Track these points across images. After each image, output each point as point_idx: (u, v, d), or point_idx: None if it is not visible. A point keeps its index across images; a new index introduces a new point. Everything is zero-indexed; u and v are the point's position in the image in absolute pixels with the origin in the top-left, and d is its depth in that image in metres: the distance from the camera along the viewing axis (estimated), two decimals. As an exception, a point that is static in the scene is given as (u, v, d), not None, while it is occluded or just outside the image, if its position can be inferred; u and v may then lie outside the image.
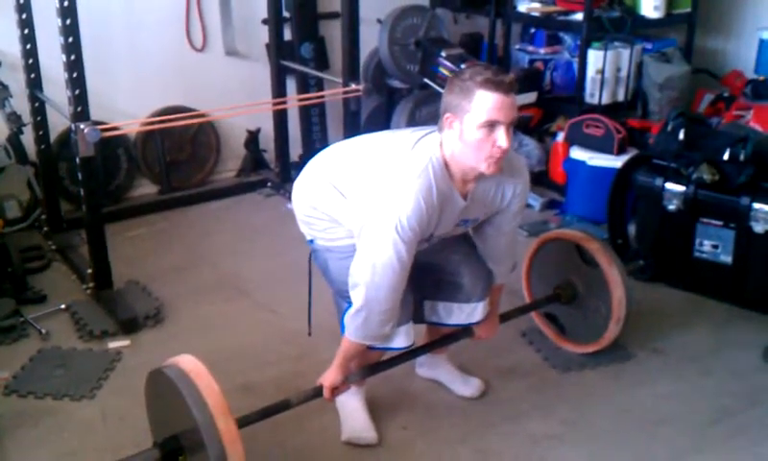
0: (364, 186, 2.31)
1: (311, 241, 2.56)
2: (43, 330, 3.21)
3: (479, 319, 2.65)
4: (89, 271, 3.43)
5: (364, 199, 2.29)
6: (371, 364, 2.61)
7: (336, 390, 2.50)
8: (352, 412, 2.70)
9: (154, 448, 2.23)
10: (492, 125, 2.16)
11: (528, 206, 4.49)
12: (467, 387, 2.87)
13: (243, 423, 2.27)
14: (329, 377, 2.47)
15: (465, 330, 2.77)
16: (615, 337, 3.01)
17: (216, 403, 2.09)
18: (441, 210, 2.27)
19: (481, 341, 2.82)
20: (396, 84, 4.77)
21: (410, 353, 2.69)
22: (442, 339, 2.79)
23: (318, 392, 2.50)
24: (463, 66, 2.57)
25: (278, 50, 4.59)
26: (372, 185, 2.28)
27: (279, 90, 4.65)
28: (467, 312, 2.64)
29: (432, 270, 2.58)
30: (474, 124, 2.16)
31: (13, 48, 3.86)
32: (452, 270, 2.59)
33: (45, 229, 4.05)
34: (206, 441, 2.03)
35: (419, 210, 2.19)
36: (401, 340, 2.50)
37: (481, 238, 2.58)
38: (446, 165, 2.26)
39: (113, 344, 3.16)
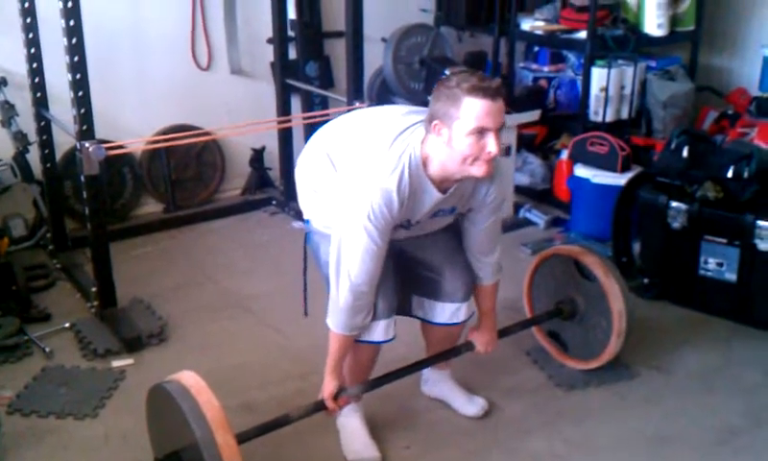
0: (349, 166, 2.35)
1: (307, 221, 2.57)
2: (47, 349, 3.21)
3: (463, 319, 2.69)
4: (94, 289, 3.44)
5: (345, 181, 2.33)
6: (372, 379, 2.62)
7: (337, 401, 2.49)
8: (353, 432, 2.69)
9: None
10: (481, 131, 2.17)
11: (532, 223, 4.50)
12: (470, 406, 2.86)
13: (242, 438, 2.26)
14: (325, 387, 2.48)
15: (465, 345, 2.79)
16: (617, 352, 3.00)
17: (216, 418, 2.09)
18: (414, 201, 2.30)
19: (482, 355, 2.81)
20: (401, 102, 4.79)
21: (411, 368, 2.71)
22: (442, 354, 2.79)
23: (319, 406, 2.50)
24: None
25: (283, 69, 4.61)
26: (352, 170, 2.32)
27: (284, 109, 4.66)
28: (450, 311, 2.67)
29: (419, 267, 2.62)
30: (463, 132, 2.17)
31: (20, 67, 3.89)
32: (436, 268, 2.62)
33: (50, 247, 4.05)
34: (206, 456, 2.03)
35: (390, 201, 2.23)
36: (381, 333, 2.52)
37: (462, 232, 2.59)
38: (425, 163, 2.27)
39: (117, 363, 3.16)
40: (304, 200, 2.58)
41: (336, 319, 2.38)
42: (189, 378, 2.20)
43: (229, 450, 2.07)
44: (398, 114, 2.43)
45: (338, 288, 2.34)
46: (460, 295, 2.64)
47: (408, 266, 2.60)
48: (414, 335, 2.87)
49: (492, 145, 2.18)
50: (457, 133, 2.18)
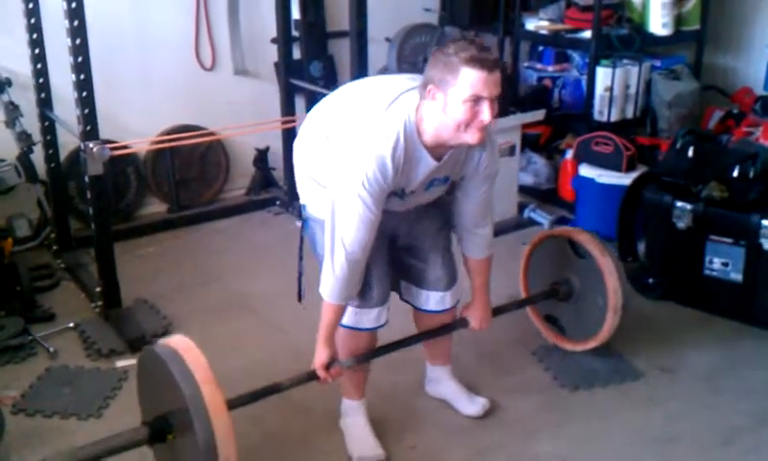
0: (342, 135, 2.34)
1: (303, 207, 2.56)
2: (51, 349, 3.22)
3: (449, 306, 2.73)
4: (98, 289, 3.44)
5: (339, 150, 2.32)
6: (364, 353, 2.61)
7: (329, 371, 2.47)
8: (357, 433, 2.69)
9: (143, 426, 2.22)
10: (476, 99, 2.17)
11: (537, 223, 4.49)
12: (471, 406, 2.85)
13: (233, 404, 2.25)
14: (317, 355, 2.47)
15: (460, 321, 2.80)
16: (614, 330, 3.00)
17: (203, 376, 2.08)
18: (410, 169, 2.30)
19: (487, 367, 2.82)
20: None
21: (404, 342, 2.74)
22: (436, 330, 2.78)
23: (311, 376, 2.48)
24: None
25: (287, 69, 4.61)
26: (347, 138, 2.31)
27: (288, 109, 4.66)
28: (435, 300, 2.71)
29: (407, 254, 2.65)
30: (459, 99, 2.17)
31: (24, 68, 3.89)
32: (422, 257, 2.66)
33: (54, 247, 4.06)
34: (192, 412, 2.02)
35: (384, 168, 2.22)
36: (374, 320, 2.56)
37: (454, 204, 2.59)
38: (419, 130, 2.27)
39: (121, 363, 3.16)
40: (301, 184, 2.56)
41: (330, 288, 2.36)
42: (178, 340, 2.20)
43: (217, 407, 2.05)
44: (391, 82, 2.42)
45: (332, 257, 2.32)
46: (442, 284, 2.69)
47: (398, 255, 2.64)
48: (412, 330, 2.89)
49: (485, 113, 2.18)
50: (452, 100, 2.18)
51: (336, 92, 2.57)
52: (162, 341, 2.27)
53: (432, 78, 2.20)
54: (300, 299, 2.71)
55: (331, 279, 2.34)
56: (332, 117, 2.45)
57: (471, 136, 2.23)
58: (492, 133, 2.42)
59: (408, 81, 2.37)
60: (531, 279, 3.25)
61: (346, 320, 2.56)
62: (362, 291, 2.51)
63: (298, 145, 2.57)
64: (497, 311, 2.92)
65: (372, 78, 2.65)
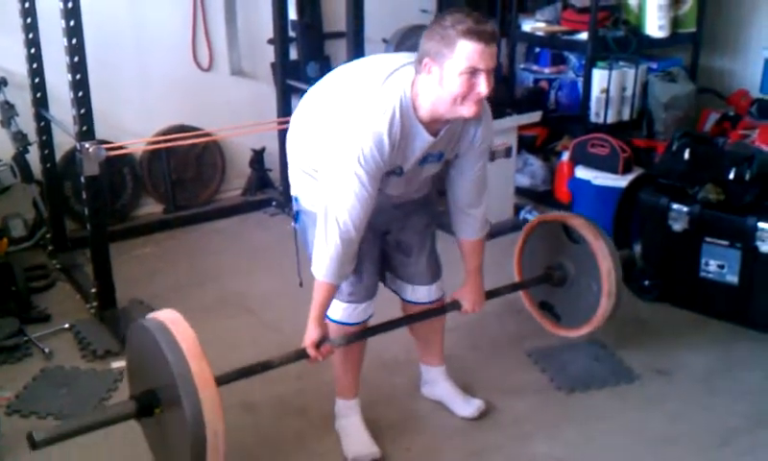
0: (337, 114, 2.31)
1: (296, 199, 2.53)
2: (47, 350, 3.21)
3: (435, 298, 2.76)
4: (93, 290, 3.43)
5: (334, 129, 2.29)
6: (355, 332, 2.59)
7: (320, 350, 2.44)
8: (352, 433, 2.69)
9: (130, 400, 2.20)
10: (473, 72, 2.15)
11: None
12: (466, 407, 2.85)
13: (222, 380, 2.24)
14: (308, 334, 2.44)
15: (452, 304, 2.79)
16: (609, 314, 3.00)
17: (190, 349, 2.07)
18: (406, 145, 2.28)
19: (483, 369, 2.82)
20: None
21: (395, 323, 2.74)
22: (428, 312, 2.77)
23: (301, 354, 2.46)
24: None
25: (284, 69, 4.60)
26: (342, 116, 2.28)
27: (285, 110, 4.65)
28: (422, 292, 2.74)
29: (395, 249, 2.66)
30: (455, 71, 2.15)
31: (20, 67, 3.88)
32: (409, 252, 2.66)
33: (50, 247, 4.05)
34: (179, 385, 2.00)
35: (380, 145, 2.20)
36: (361, 314, 2.59)
37: (448, 184, 2.58)
38: (414, 105, 2.25)
39: (116, 364, 3.15)
40: (293, 176, 2.54)
41: (324, 267, 2.32)
42: (166, 314, 2.19)
43: (204, 379, 2.04)
44: (385, 59, 2.40)
45: (326, 235, 2.29)
46: (427, 278, 2.72)
47: (387, 249, 2.65)
48: (405, 335, 2.90)
49: (482, 86, 2.16)
50: (448, 72, 2.16)
51: (327, 76, 2.52)
52: (151, 315, 2.25)
53: (428, 51, 2.18)
54: (301, 284, 2.66)
55: (325, 257, 2.30)
56: (325, 100, 2.42)
57: (468, 110, 2.21)
58: (487, 106, 2.40)
59: (403, 57, 2.34)
60: (525, 264, 3.24)
61: (335, 315, 2.57)
62: (352, 286, 2.53)
63: (290, 135, 2.54)
64: (490, 295, 2.90)
65: (365, 58, 2.60)
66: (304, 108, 2.49)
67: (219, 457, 2.10)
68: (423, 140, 2.30)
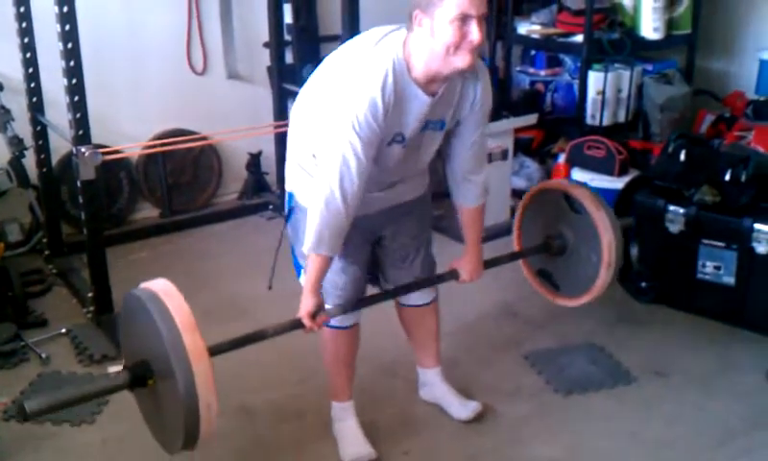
0: (330, 86, 2.29)
1: (290, 195, 2.52)
2: (43, 355, 3.20)
3: (429, 300, 2.79)
4: (90, 294, 3.43)
5: (327, 104, 2.27)
6: (350, 302, 2.55)
7: (315, 320, 2.40)
8: (348, 436, 2.70)
9: (123, 371, 2.18)
10: (464, 18, 2.12)
11: (530, 227, 4.49)
12: (462, 410, 2.84)
13: (215, 351, 2.21)
14: (303, 304, 2.39)
15: (450, 273, 2.77)
16: (607, 285, 2.98)
17: (184, 321, 2.05)
18: (402, 109, 2.24)
19: (480, 372, 2.81)
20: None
21: (391, 293, 2.71)
22: (425, 280, 2.73)
23: (296, 324, 2.42)
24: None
25: (280, 73, 4.60)
26: (334, 89, 2.26)
27: (281, 113, 4.65)
28: (416, 295, 2.73)
29: (388, 256, 2.65)
30: (446, 19, 2.12)
31: (16, 72, 3.88)
32: (402, 259, 2.65)
33: (46, 252, 4.04)
34: (173, 357, 1.99)
35: (374, 108, 2.17)
36: (351, 318, 2.62)
37: (448, 154, 2.54)
38: (409, 65, 2.22)
39: (113, 368, 3.14)
40: (289, 172, 2.51)
41: (315, 238, 2.28)
42: (160, 284, 2.17)
43: (197, 352, 2.02)
44: (375, 30, 2.37)
45: (318, 206, 2.25)
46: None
47: (380, 254, 2.65)
48: (402, 338, 2.91)
49: (474, 33, 2.14)
50: (439, 21, 2.13)
51: (322, 64, 2.49)
52: (144, 284, 2.21)
53: (418, 3, 2.16)
54: (270, 287, 2.70)
55: (317, 228, 2.26)
56: (320, 81, 2.39)
57: (462, 60, 2.17)
58: (483, 67, 2.38)
59: (393, 27, 2.32)
60: (525, 233, 3.20)
61: (341, 322, 2.59)
62: (342, 290, 2.54)
63: (289, 130, 2.52)
64: (489, 264, 2.86)
65: (360, 35, 2.54)
66: (301, 97, 2.47)
67: (212, 429, 2.09)
68: (421, 102, 2.26)
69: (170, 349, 2.00)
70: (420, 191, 2.63)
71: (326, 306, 2.47)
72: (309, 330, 2.43)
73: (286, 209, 2.57)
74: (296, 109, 2.49)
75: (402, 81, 2.22)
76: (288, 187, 2.52)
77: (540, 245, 3.09)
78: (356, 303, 2.59)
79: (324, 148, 2.26)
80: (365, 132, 2.18)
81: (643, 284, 3.66)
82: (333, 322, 2.57)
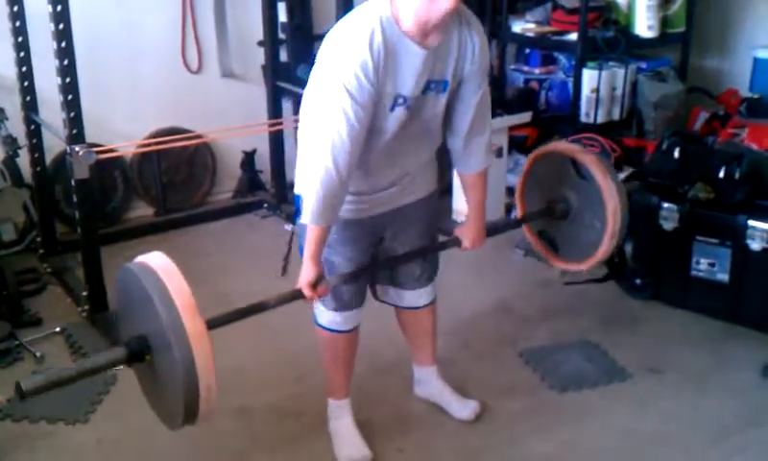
0: (320, 67, 2.30)
1: (297, 197, 2.48)
2: (38, 354, 3.20)
3: (428, 302, 2.77)
4: (84, 293, 3.42)
5: (319, 79, 2.28)
6: (349, 273, 2.50)
7: (316, 290, 2.37)
8: (344, 435, 2.70)
9: (120, 346, 2.14)
10: None
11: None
12: (463, 409, 2.85)
13: (213, 324, 2.19)
14: (303, 274, 2.35)
15: (452, 241, 2.74)
16: (609, 253, 2.94)
17: (184, 303, 2.02)
18: (396, 65, 2.21)
19: (476, 369, 2.81)
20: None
21: (390, 261, 2.65)
22: (426, 248, 2.68)
23: (297, 294, 2.39)
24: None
25: (274, 71, 4.60)
26: (324, 63, 2.27)
27: (275, 111, 4.65)
28: (416, 296, 2.73)
29: (388, 257, 2.63)
30: None
31: (9, 71, 3.87)
32: (402, 259, 2.63)
33: (41, 251, 4.04)
34: (172, 340, 1.96)
35: (365, 67, 2.15)
36: (351, 321, 2.60)
37: (452, 121, 2.49)
38: (398, 20, 2.20)
39: (108, 367, 3.14)
40: (299, 172, 2.47)
41: (310, 209, 2.26)
42: (159, 260, 2.14)
43: (197, 333, 1.99)
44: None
45: (313, 175, 2.24)
46: (424, 281, 2.72)
47: (380, 256, 2.62)
48: (398, 336, 2.90)
49: None
50: None
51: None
52: (141, 258, 2.17)
53: None
54: (283, 273, 2.66)
55: (312, 198, 2.24)
56: (314, 71, 2.38)
57: (446, 1, 2.15)
58: (475, 18, 2.36)
59: None
60: (528, 194, 3.15)
61: (325, 322, 2.59)
62: (340, 295, 2.53)
63: (298, 132, 2.50)
64: (491, 231, 2.81)
65: None
66: (304, 97, 2.45)
67: (211, 409, 2.06)
68: (416, 56, 2.23)
69: (169, 331, 1.97)
70: (430, 187, 2.60)
71: (329, 279, 2.43)
72: (310, 300, 2.39)
73: (293, 209, 2.54)
74: (301, 110, 2.48)
75: (392, 35, 2.19)
76: (297, 190, 2.47)
77: (543, 209, 3.02)
78: (355, 273, 2.52)
79: (319, 118, 2.25)
80: (357, 92, 2.16)
81: (638, 281, 3.67)
82: (334, 326, 2.58)
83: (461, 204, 3.85)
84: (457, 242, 2.73)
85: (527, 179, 3.15)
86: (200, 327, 2.02)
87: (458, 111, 2.47)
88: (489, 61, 2.46)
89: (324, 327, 2.61)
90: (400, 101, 2.27)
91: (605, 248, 2.90)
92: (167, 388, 2.09)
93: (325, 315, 2.60)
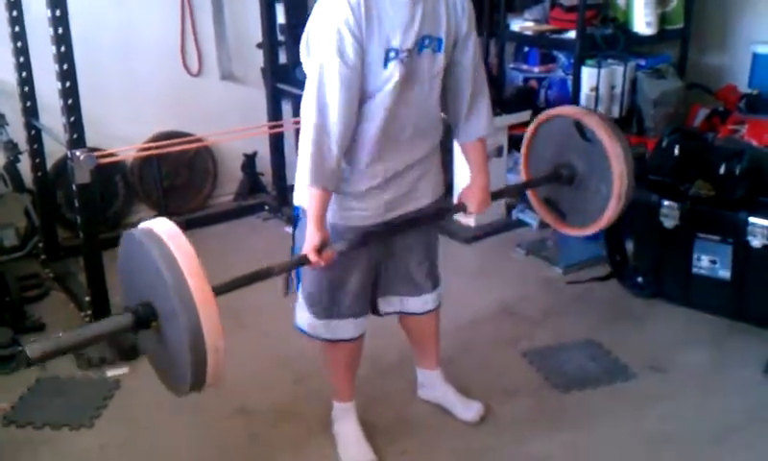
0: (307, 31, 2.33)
1: (296, 208, 2.49)
2: (41, 359, 3.20)
3: (432, 308, 2.73)
4: (87, 298, 3.42)
5: (306, 41, 2.33)
6: (356, 239, 2.44)
7: (321, 255, 2.32)
8: (348, 438, 2.70)
9: (126, 311, 2.10)
10: None
11: (525, 224, 4.50)
12: (467, 411, 2.85)
13: (220, 290, 2.16)
14: (309, 239, 2.32)
15: (458, 206, 2.71)
16: (617, 216, 2.91)
17: (189, 266, 1.99)
18: (382, 13, 2.21)
19: (479, 370, 2.80)
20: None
21: (397, 227, 2.54)
22: (433, 215, 2.63)
23: (303, 259, 2.36)
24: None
25: (273, 74, 4.60)
26: (309, 26, 2.31)
27: (275, 114, 4.65)
28: (421, 302, 2.70)
29: (388, 268, 2.60)
30: None
31: (9, 76, 3.87)
32: (406, 268, 2.62)
33: (43, 257, 4.04)
34: (177, 302, 1.93)
35: (345, 21, 2.17)
36: (351, 331, 2.57)
37: (452, 86, 2.49)
38: None
39: (112, 372, 3.15)
40: (298, 183, 2.47)
41: (306, 169, 2.26)
42: (163, 225, 2.10)
43: (204, 296, 1.96)
44: None
45: (305, 137, 2.24)
46: (429, 287, 2.68)
47: (377, 271, 2.59)
48: (400, 339, 2.90)
49: None
50: None
51: None
52: (145, 224, 2.14)
53: None
54: (285, 293, 2.66)
55: (306, 158, 2.24)
56: None
57: None
58: None
59: None
60: (533, 159, 3.11)
61: (323, 333, 2.57)
62: (332, 303, 2.52)
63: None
64: (496, 195, 2.79)
65: None
66: None
67: (220, 372, 2.04)
68: (401, 3, 2.22)
69: (174, 293, 1.93)
70: (437, 192, 2.59)
71: (335, 245, 2.38)
72: (315, 265, 2.36)
73: (295, 218, 2.53)
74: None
75: None
76: (296, 202, 2.47)
77: (548, 175, 2.98)
78: (362, 239, 2.46)
79: (308, 82, 2.26)
80: (343, 50, 2.18)
81: (640, 280, 3.67)
82: (342, 335, 2.56)
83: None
84: (462, 207, 2.70)
85: (531, 143, 3.12)
86: (205, 288, 1.98)
87: (459, 75, 2.48)
88: (474, 23, 2.46)
89: (325, 339, 2.59)
90: (392, 54, 2.25)
91: (611, 211, 2.86)
92: (174, 353, 2.04)
93: (321, 327, 2.57)
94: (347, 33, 2.17)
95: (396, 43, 2.24)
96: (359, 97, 2.26)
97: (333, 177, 2.28)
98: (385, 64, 2.25)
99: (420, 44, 2.29)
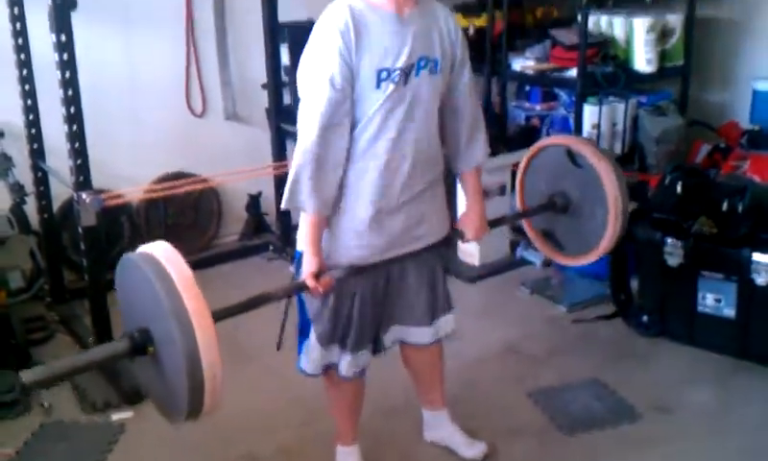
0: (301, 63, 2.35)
1: (297, 254, 2.49)
2: (46, 404, 3.19)
3: (433, 340, 2.69)
4: (91, 340, 3.42)
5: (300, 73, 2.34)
6: (357, 266, 2.44)
7: (319, 281, 2.34)
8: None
9: (123, 337, 2.07)
10: None
11: (529, 262, 4.49)
12: (471, 450, 2.84)
13: (219, 316, 2.13)
14: (305, 266, 2.35)
15: (455, 233, 2.70)
16: (616, 239, 2.89)
17: (187, 288, 1.96)
18: (374, 34, 2.25)
19: (483, 410, 2.79)
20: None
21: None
22: (437, 242, 2.61)
23: (300, 286, 2.37)
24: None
25: (278, 114, 4.64)
26: (303, 58, 2.33)
27: (280, 154, 4.68)
28: (423, 332, 2.67)
29: (389, 295, 2.58)
30: None
31: (16, 118, 3.91)
32: (406, 296, 2.60)
33: (48, 299, 4.04)
34: (175, 326, 1.89)
35: (335, 46, 2.20)
36: (347, 366, 2.54)
37: (452, 111, 2.53)
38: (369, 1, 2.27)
39: (117, 416, 3.15)
40: (301, 230, 2.47)
41: (298, 193, 2.29)
42: (161, 249, 2.07)
43: (202, 321, 1.93)
44: None
45: (297, 156, 2.28)
46: (429, 319, 2.65)
47: (378, 305, 2.58)
48: (405, 379, 2.90)
49: None
50: None
51: None
52: (143, 248, 2.10)
53: None
54: (278, 346, 2.66)
55: (297, 182, 2.28)
56: None
57: None
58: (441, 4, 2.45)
59: None
60: (527, 191, 3.14)
61: (324, 360, 2.56)
62: (334, 331, 2.51)
63: None
64: (493, 224, 2.82)
65: None
66: None
67: (216, 400, 1.99)
68: (391, 20, 2.27)
69: (172, 316, 1.90)
70: (442, 230, 2.59)
71: (332, 272, 2.39)
72: (314, 291, 2.36)
73: (295, 263, 2.52)
74: None
75: (362, 13, 2.25)
76: (299, 247, 2.45)
77: (543, 204, 3.01)
78: (362, 268, 2.46)
79: (302, 106, 2.30)
80: (333, 75, 2.21)
81: (645, 318, 3.67)
82: (343, 372, 2.55)
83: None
84: (460, 235, 2.71)
85: (525, 175, 3.14)
86: (204, 312, 1.95)
87: (455, 102, 2.52)
88: (466, 47, 2.50)
89: (320, 374, 2.60)
90: (384, 75, 2.27)
91: (611, 232, 2.86)
92: (171, 380, 2.01)
93: (317, 359, 2.57)
94: (336, 57, 2.21)
95: (387, 63, 2.27)
96: (352, 122, 2.29)
97: (324, 202, 2.31)
98: (378, 85, 2.27)
99: (417, 66, 2.32)
